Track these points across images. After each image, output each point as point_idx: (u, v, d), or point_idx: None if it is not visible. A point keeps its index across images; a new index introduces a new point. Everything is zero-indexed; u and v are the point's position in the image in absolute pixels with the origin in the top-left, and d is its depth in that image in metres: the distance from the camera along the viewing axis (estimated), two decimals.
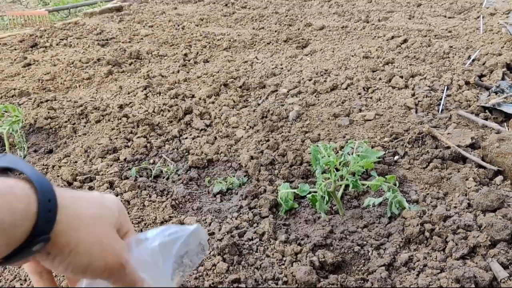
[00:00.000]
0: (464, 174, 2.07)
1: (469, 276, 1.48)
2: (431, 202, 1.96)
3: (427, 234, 1.74)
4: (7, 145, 2.64)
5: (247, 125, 2.72)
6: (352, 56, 3.72)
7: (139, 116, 2.85)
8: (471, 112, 2.65)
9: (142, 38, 4.71)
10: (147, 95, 3.23)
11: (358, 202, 2.05)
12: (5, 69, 3.99)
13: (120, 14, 5.97)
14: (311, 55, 3.93)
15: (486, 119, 2.56)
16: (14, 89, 3.44)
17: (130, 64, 3.96)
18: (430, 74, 3.22)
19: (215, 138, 2.64)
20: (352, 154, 1.86)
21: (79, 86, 3.57)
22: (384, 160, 2.26)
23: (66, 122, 2.86)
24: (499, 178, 2.05)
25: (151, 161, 2.42)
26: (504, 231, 1.67)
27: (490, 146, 2.17)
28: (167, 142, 2.60)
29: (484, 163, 2.13)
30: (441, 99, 2.84)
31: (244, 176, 2.26)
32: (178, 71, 3.69)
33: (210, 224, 1.86)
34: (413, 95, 2.95)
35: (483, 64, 3.36)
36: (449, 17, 4.84)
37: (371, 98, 2.98)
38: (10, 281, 1.62)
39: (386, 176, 1.87)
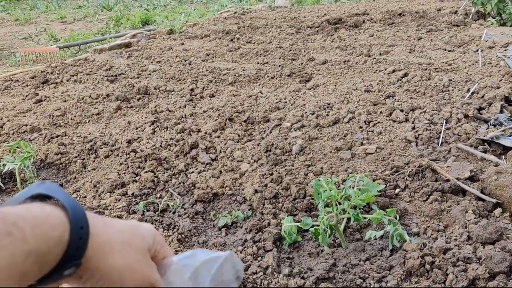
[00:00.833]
0: (463, 207, 2.12)
1: None
2: (431, 234, 2.01)
3: (427, 266, 1.78)
4: (18, 181, 2.72)
5: (252, 159, 2.79)
6: (354, 90, 3.82)
7: (146, 151, 2.93)
8: (470, 145, 2.71)
9: (150, 74, 4.85)
10: (155, 130, 3.32)
11: (360, 235, 2.09)
12: (17, 105, 4.12)
13: (128, 50, 6.15)
14: (313, 89, 4.03)
15: (484, 152, 2.62)
16: (26, 125, 3.54)
17: (138, 100, 4.08)
18: (430, 107, 3.29)
19: (220, 172, 2.71)
20: (353, 187, 1.92)
21: (88, 121, 3.68)
22: (385, 193, 2.32)
23: (76, 157, 2.94)
24: (498, 211, 2.10)
25: (158, 195, 2.49)
26: (503, 264, 1.71)
27: (488, 178, 2.22)
28: (173, 176, 2.67)
29: (483, 196, 2.18)
30: (440, 132, 2.91)
31: (249, 209, 2.32)
32: (185, 106, 3.79)
33: None
34: (413, 128, 3.02)
35: (482, 97, 3.44)
36: (449, 50, 4.95)
37: (372, 131, 3.05)
38: None
39: (386, 210, 1.92)
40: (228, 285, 0.72)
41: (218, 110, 3.62)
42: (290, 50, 5.43)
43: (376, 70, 4.36)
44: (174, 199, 2.42)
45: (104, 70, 5.05)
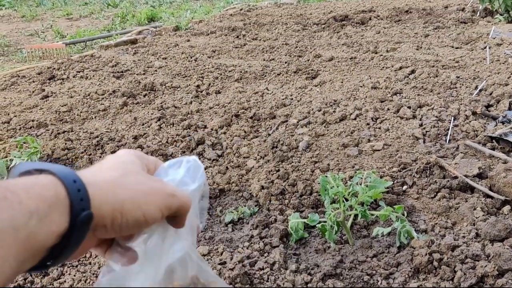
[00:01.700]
0: (472, 204, 2.11)
1: None
2: (439, 231, 1.99)
3: (435, 263, 1.77)
4: None
5: (258, 155, 2.78)
6: (361, 86, 3.80)
7: (153, 147, 2.93)
8: (478, 142, 2.69)
9: (156, 70, 4.85)
10: (161, 126, 3.32)
11: (367, 231, 2.08)
12: (24, 101, 4.13)
13: (134, 46, 6.15)
14: (320, 86, 4.02)
15: (493, 149, 2.60)
16: (32, 120, 3.55)
17: (144, 96, 4.08)
18: (438, 104, 3.27)
19: (227, 168, 2.70)
20: (361, 184, 1.91)
21: (95, 117, 3.68)
22: (393, 190, 2.30)
23: (82, 153, 2.95)
24: (506, 208, 2.08)
25: None
26: None
27: (497, 176, 2.21)
28: None
29: (491, 193, 2.17)
30: (448, 129, 2.89)
31: (255, 205, 2.31)
32: (191, 102, 3.79)
33: (222, 254, 1.91)
34: (420, 125, 3.00)
35: (490, 94, 3.41)
36: (456, 48, 4.92)
37: (379, 128, 3.04)
38: None
39: (394, 206, 1.91)
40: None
41: (224, 107, 3.61)
42: (296, 47, 5.41)
43: (383, 67, 4.34)
44: None
45: (110, 67, 5.05)
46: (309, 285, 1.72)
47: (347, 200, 1.89)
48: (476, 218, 2.03)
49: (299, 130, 3.09)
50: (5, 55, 7.09)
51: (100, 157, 2.91)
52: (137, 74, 4.73)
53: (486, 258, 1.77)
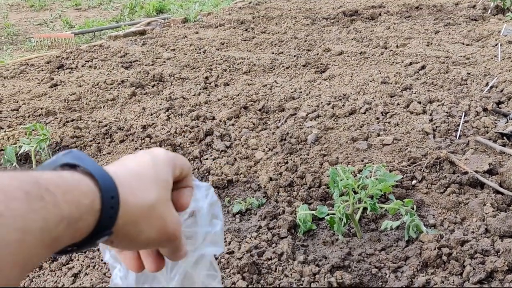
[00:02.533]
0: (481, 200, 2.09)
1: None
2: (448, 226, 1.98)
3: (444, 258, 1.76)
4: (34, 162, 2.74)
5: (266, 147, 2.78)
6: (370, 81, 3.78)
7: (161, 137, 2.93)
8: (489, 138, 2.67)
9: (164, 61, 4.84)
10: (169, 116, 3.32)
11: (375, 225, 2.07)
12: (33, 89, 4.14)
13: (143, 37, 6.14)
14: (329, 79, 4.00)
15: (503, 145, 2.58)
16: (41, 108, 3.56)
17: (153, 86, 4.07)
18: (448, 100, 3.25)
19: (235, 159, 2.70)
20: (370, 177, 1.90)
21: (103, 106, 3.69)
22: (402, 184, 2.29)
23: (91, 141, 2.95)
24: None
25: None
26: None
27: (507, 172, 2.19)
28: None
29: (501, 189, 2.15)
30: (458, 125, 2.87)
31: (263, 197, 2.31)
32: (199, 94, 3.78)
33: (230, 243, 1.91)
34: (431, 120, 2.98)
35: (501, 91, 3.38)
36: (467, 44, 4.88)
37: (389, 123, 3.02)
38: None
39: (404, 200, 1.90)
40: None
41: (233, 99, 3.61)
42: (306, 41, 5.39)
43: (393, 62, 4.31)
44: None
45: (119, 57, 5.05)
46: (317, 276, 1.71)
47: (356, 193, 1.88)
48: (486, 213, 2.02)
49: (308, 123, 3.08)
50: (14, 44, 7.11)
51: (109, 145, 2.91)
52: (145, 65, 4.73)
53: (496, 254, 1.76)
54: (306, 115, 3.21)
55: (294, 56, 4.78)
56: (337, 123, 3.06)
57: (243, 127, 3.07)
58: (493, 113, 3.07)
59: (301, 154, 2.66)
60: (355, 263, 1.81)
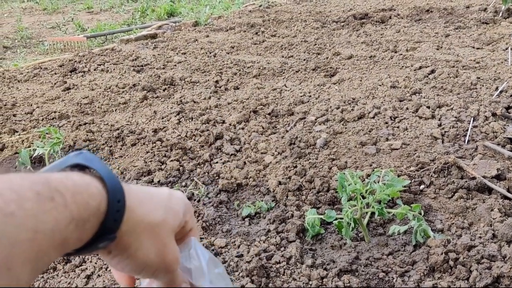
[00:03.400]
0: (489, 205, 2.10)
1: None
2: (456, 231, 2.00)
3: (451, 263, 1.78)
4: (47, 165, 2.79)
5: (276, 151, 2.81)
6: (380, 85, 3.80)
7: (172, 140, 2.98)
8: (498, 143, 2.68)
9: (175, 65, 4.90)
10: (180, 120, 3.37)
11: (383, 229, 2.09)
12: (46, 92, 4.21)
13: (154, 41, 6.21)
14: (339, 83, 4.02)
15: None
16: (55, 112, 3.63)
17: (164, 90, 4.13)
18: (457, 105, 3.26)
19: (245, 163, 2.73)
20: (378, 182, 1.92)
21: (115, 110, 3.74)
22: (410, 189, 2.31)
23: (103, 144, 3.01)
24: None
25: (183, 183, 2.53)
26: None
27: None
28: (198, 166, 2.71)
29: (509, 195, 2.16)
30: (467, 130, 2.87)
31: (272, 201, 2.34)
32: (210, 97, 3.83)
33: (239, 247, 1.94)
34: (439, 125, 2.99)
35: (511, 95, 3.38)
36: (477, 48, 4.87)
37: (398, 127, 3.04)
38: None
39: (411, 205, 1.92)
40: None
41: (243, 102, 3.64)
42: (315, 44, 5.41)
43: (403, 66, 4.32)
44: (199, 188, 2.46)
45: (131, 60, 5.12)
46: (325, 280, 1.74)
47: (364, 197, 1.91)
48: (493, 219, 2.03)
49: (317, 127, 3.11)
50: (27, 47, 7.22)
51: (121, 149, 2.97)
52: (156, 69, 4.79)
53: (503, 259, 1.77)
54: (315, 119, 3.23)
55: (304, 59, 4.81)
56: (346, 128, 3.08)
57: (252, 131, 3.10)
58: (502, 118, 3.07)
59: (310, 158, 2.69)
60: (362, 267, 1.84)
